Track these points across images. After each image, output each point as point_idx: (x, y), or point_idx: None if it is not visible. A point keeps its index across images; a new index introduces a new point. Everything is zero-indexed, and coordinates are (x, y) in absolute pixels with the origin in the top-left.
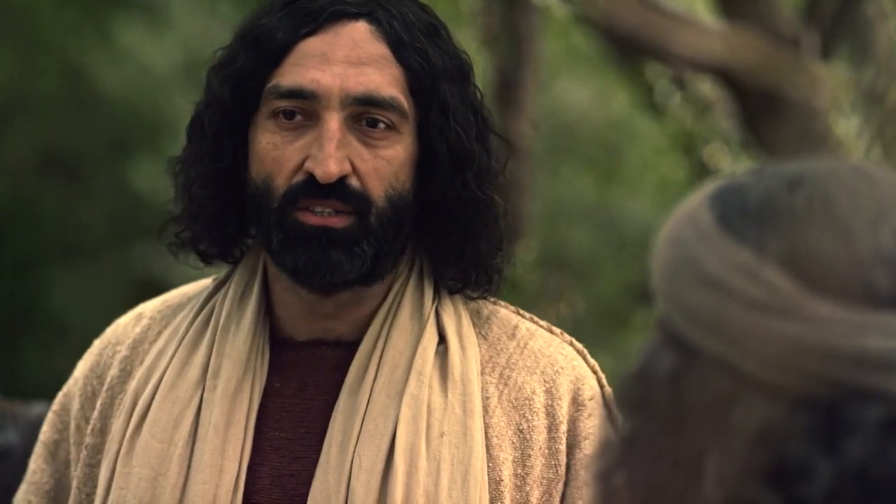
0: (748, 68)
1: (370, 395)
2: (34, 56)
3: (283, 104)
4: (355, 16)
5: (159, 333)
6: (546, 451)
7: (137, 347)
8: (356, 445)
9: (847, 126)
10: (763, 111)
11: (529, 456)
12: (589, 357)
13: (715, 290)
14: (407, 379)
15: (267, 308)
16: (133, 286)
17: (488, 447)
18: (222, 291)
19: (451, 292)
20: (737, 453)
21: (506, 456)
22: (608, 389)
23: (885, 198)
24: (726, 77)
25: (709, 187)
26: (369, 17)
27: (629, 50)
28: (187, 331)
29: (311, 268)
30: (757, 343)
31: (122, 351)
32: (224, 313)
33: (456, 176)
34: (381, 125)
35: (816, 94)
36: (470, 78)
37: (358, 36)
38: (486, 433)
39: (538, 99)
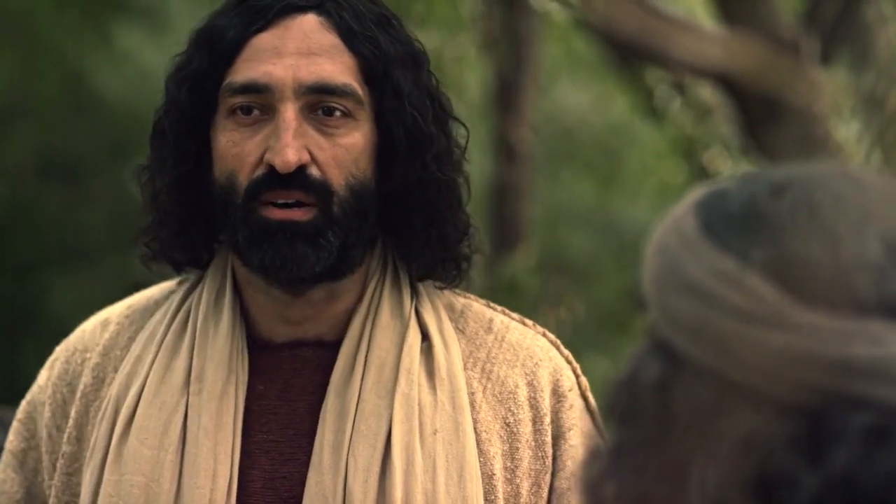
0: (748, 73)
1: (359, 396)
2: (34, 59)
3: (239, 100)
4: (304, 9)
5: (130, 339)
6: (532, 443)
7: (108, 354)
8: (349, 446)
9: (847, 131)
10: (763, 116)
11: (517, 449)
12: (563, 348)
13: (699, 298)
14: (396, 378)
15: (242, 310)
16: (132, 290)
17: (478, 442)
18: (196, 294)
19: (420, 279)
20: (722, 462)
21: (495, 450)
22: (584, 380)
23: (872, 203)
24: (726, 82)
25: (695, 194)
26: (318, 9)
27: (629, 54)
28: (165, 335)
29: (279, 262)
30: (742, 351)
31: (93, 358)
32: (201, 316)
33: (415, 159)
34: (337, 113)
35: (816, 100)
36: (424, 65)
37: (308, 27)
38: (474, 428)
39: (538, 103)
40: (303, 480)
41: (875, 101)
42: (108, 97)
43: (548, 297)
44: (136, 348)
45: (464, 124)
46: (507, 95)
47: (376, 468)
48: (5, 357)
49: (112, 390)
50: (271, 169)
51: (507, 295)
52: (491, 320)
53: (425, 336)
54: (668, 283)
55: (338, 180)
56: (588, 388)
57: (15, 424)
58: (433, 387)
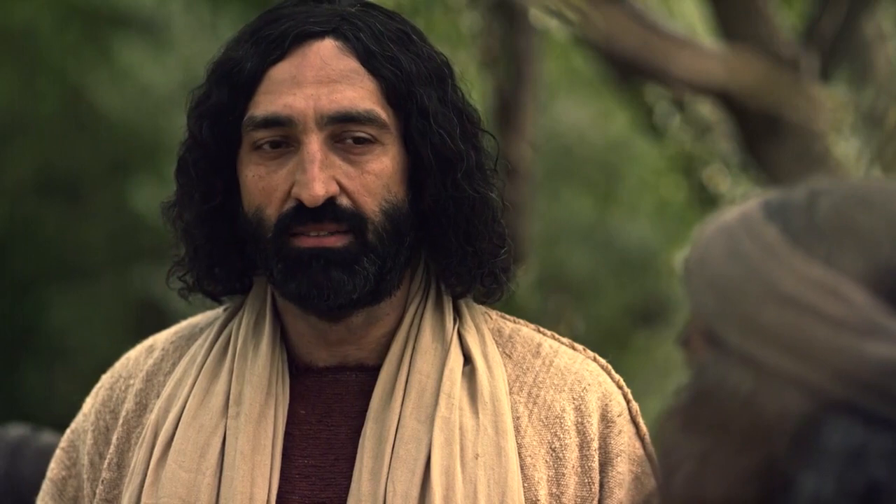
0: (748, 90)
1: (399, 421)
2: (34, 77)
3: (262, 134)
4: (321, 34)
5: (174, 365)
6: (579, 469)
7: (152, 380)
8: (388, 472)
9: (847, 148)
10: (762, 133)
11: (563, 475)
12: (613, 372)
13: (791, 307)
14: (436, 402)
15: (283, 335)
16: (133, 307)
17: (522, 467)
18: (237, 319)
19: (459, 296)
20: (828, 473)
21: (540, 476)
22: (634, 405)
23: None
24: (726, 99)
25: (756, 201)
26: (335, 33)
27: (629, 71)
28: (205, 359)
29: (315, 292)
30: (839, 361)
31: (136, 384)
32: (240, 340)
33: (445, 178)
34: (364, 140)
35: (816, 116)
36: (448, 79)
37: (325, 54)
38: (519, 453)
39: (538, 120)
40: None
41: (874, 118)
42: (108, 114)
43: (547, 314)
44: (177, 372)
45: (493, 136)
46: (506, 113)
47: (415, 494)
48: (5, 373)
49: (152, 415)
50: (300, 203)
51: (506, 312)
52: (539, 345)
53: (468, 359)
54: (750, 292)
55: (371, 207)
56: (639, 412)
57: (57, 452)
58: (475, 411)
